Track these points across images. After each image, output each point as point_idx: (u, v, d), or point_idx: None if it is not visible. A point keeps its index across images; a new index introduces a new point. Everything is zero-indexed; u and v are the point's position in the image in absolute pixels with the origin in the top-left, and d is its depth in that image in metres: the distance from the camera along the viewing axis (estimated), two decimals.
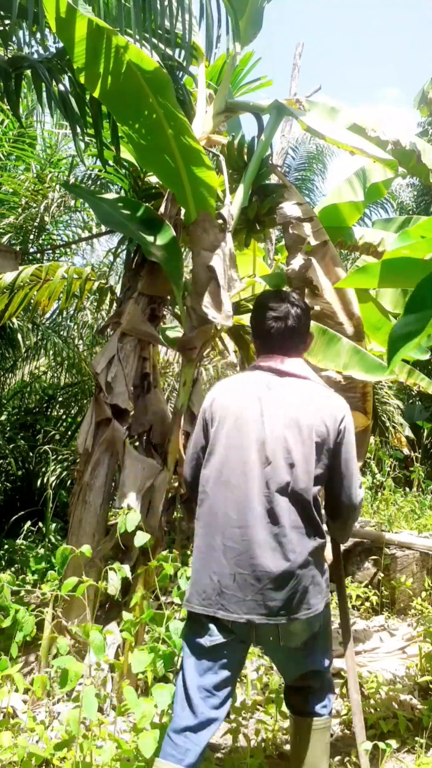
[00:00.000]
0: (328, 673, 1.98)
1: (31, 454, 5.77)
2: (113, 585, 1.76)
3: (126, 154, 3.71)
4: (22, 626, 1.83)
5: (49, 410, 6.47)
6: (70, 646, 2.75)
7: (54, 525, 5.04)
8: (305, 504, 1.78)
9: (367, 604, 3.74)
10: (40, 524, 5.02)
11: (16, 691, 2.27)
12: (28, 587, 3.10)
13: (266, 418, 1.83)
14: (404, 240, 1.61)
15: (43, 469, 5.49)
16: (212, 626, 1.74)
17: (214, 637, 1.74)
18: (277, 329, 1.99)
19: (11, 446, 5.79)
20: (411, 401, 10.13)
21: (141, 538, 2.01)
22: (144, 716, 1.62)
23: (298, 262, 3.02)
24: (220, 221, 3.18)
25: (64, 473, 5.36)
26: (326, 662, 1.95)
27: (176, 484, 3.25)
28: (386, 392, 8.34)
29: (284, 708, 2.08)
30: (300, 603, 1.74)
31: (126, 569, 1.80)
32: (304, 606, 1.74)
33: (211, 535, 1.79)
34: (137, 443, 3.36)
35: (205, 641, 1.75)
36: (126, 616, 1.88)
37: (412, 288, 1.56)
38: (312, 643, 1.85)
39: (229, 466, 1.82)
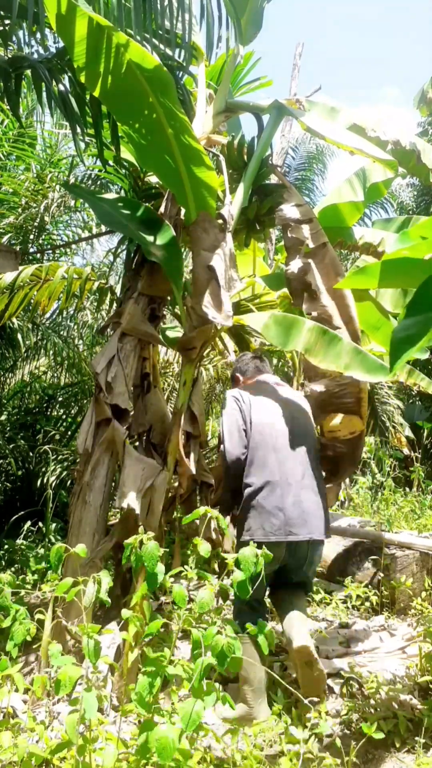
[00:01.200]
0: None
1: (31, 454, 5.76)
2: (89, 597, 1.74)
3: (126, 154, 3.72)
4: (13, 636, 1.81)
5: (49, 410, 6.46)
6: (71, 647, 2.76)
7: (54, 525, 5.04)
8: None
9: (367, 604, 3.74)
10: (40, 524, 5.02)
11: (16, 691, 2.27)
12: (28, 587, 3.10)
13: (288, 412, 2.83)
14: (404, 241, 1.60)
15: (43, 469, 5.48)
16: None
17: None
18: (258, 363, 3.12)
19: (11, 446, 5.78)
20: (411, 401, 10.13)
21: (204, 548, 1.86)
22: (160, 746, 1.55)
23: (296, 264, 3.01)
24: (220, 221, 3.18)
25: (64, 473, 5.35)
26: None
27: (176, 484, 3.25)
28: (386, 392, 8.33)
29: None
30: None
31: (106, 581, 1.79)
32: None
33: None
34: (137, 443, 3.36)
35: None
36: (125, 613, 1.86)
37: (412, 288, 1.55)
38: None
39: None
